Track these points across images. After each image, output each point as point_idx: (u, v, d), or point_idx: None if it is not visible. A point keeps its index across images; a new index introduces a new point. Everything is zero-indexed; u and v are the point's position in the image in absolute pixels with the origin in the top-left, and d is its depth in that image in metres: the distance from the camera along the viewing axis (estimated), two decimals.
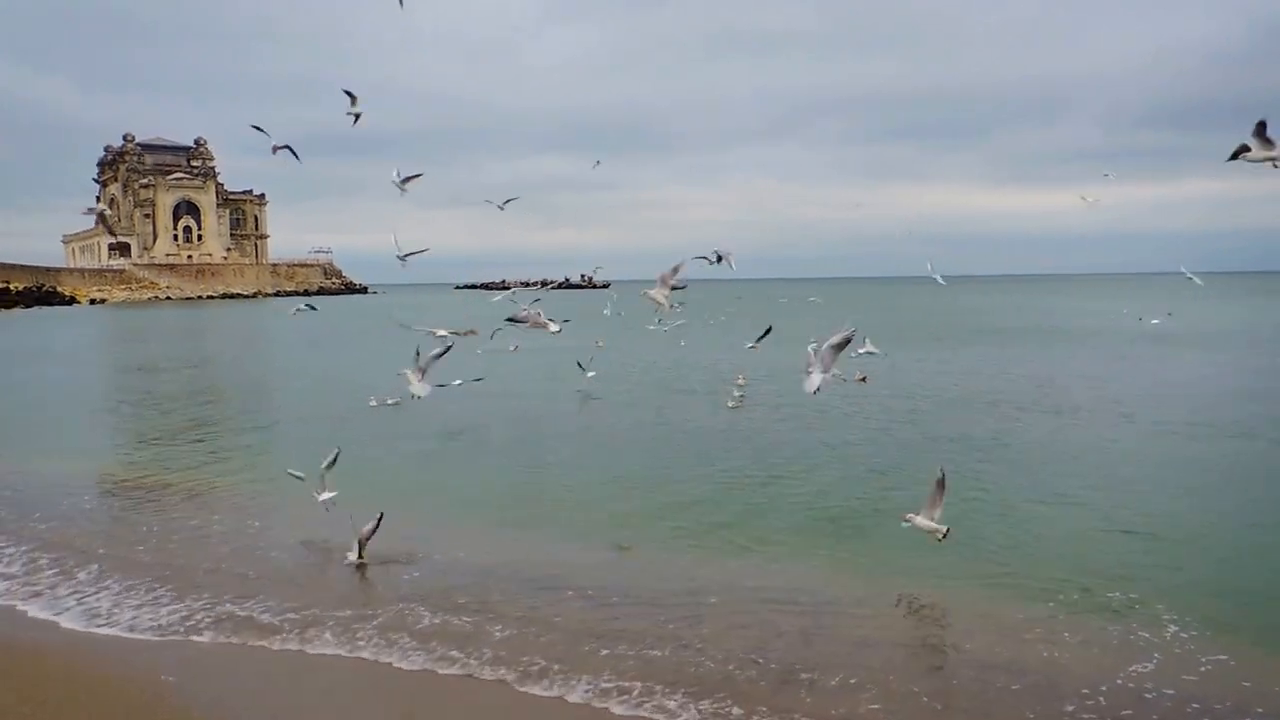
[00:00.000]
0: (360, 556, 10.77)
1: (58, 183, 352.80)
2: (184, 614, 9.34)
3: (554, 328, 10.80)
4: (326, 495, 11.35)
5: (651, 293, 10.11)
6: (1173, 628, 8.62)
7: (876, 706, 7.17)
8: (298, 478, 11.88)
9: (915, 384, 26.86)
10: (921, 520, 9.22)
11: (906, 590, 9.72)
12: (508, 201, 17.06)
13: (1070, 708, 7.14)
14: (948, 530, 9.28)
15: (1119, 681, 7.56)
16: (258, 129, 12.78)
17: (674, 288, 10.28)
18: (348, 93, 12.41)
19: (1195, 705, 7.18)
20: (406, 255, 13.02)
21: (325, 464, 11.26)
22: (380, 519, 10.78)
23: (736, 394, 23.32)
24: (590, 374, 25.36)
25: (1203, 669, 7.79)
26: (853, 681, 7.59)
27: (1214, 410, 21.56)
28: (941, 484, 9.10)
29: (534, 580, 10.15)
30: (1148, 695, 7.33)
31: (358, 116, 12.56)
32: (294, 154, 13.16)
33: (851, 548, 11.19)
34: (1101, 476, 14.89)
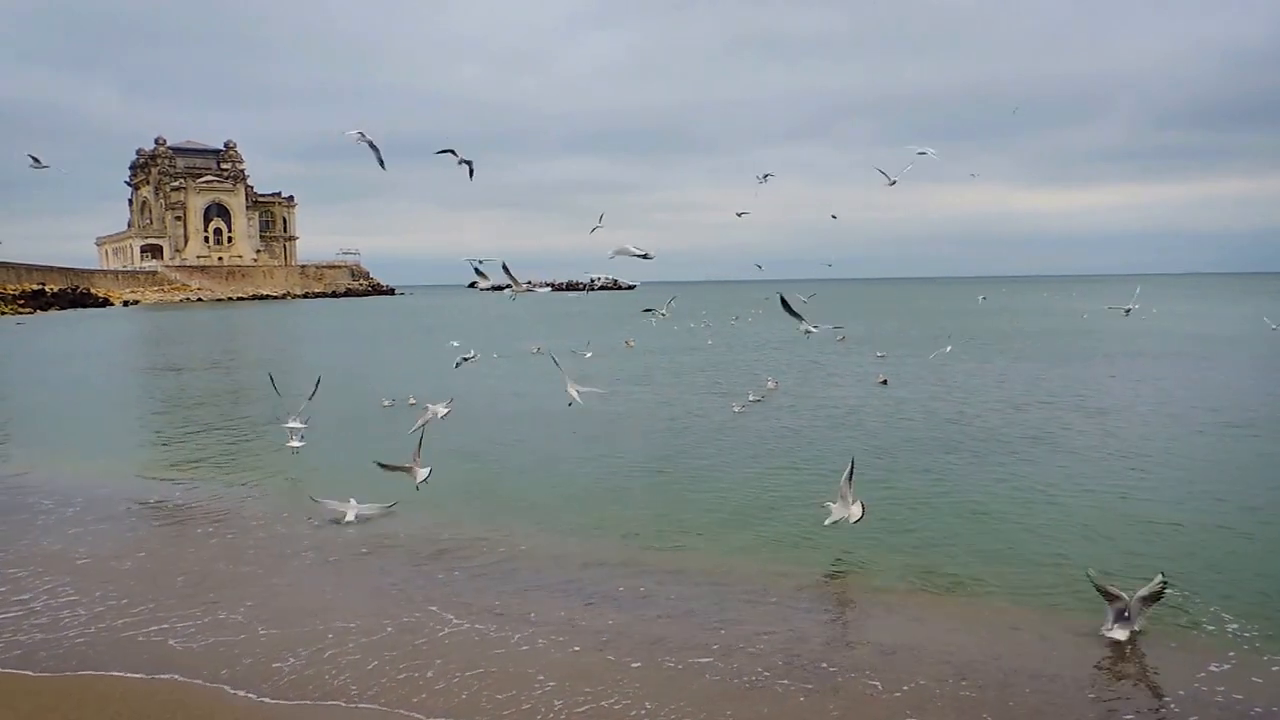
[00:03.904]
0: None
1: (90, 186, 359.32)
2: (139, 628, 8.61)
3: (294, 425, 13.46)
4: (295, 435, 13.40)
5: (570, 390, 10.52)
6: (1233, 626, 8.26)
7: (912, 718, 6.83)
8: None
9: (945, 387, 26.45)
10: (838, 509, 10.21)
11: (942, 594, 9.36)
12: (765, 176, 18.39)
13: (1129, 717, 6.80)
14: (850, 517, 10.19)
15: (1183, 686, 7.22)
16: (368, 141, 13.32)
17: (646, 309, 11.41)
18: (451, 152, 13.15)
19: (1258, 709, 6.83)
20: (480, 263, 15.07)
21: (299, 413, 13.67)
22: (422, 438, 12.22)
23: (752, 398, 22.82)
24: (463, 359, 26.52)
25: (1275, 669, 7.42)
26: (887, 691, 7.24)
27: (1255, 411, 20.97)
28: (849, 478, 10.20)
29: (547, 582, 9.85)
30: (1218, 698, 6.97)
31: (470, 165, 13.22)
32: (375, 151, 13.55)
33: (881, 550, 10.77)
34: (1142, 475, 14.44)
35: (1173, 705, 6.93)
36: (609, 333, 46.85)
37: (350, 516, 11.82)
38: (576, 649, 8.09)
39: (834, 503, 10.46)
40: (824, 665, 7.66)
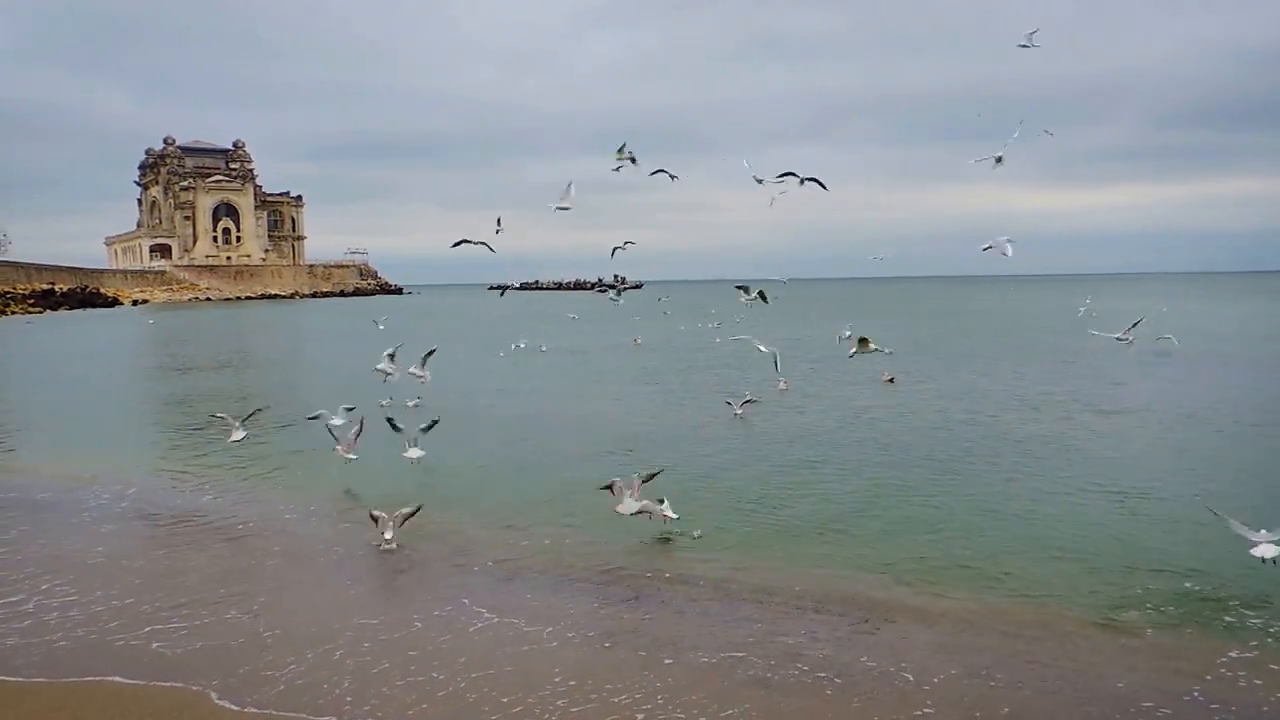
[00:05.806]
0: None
1: (91, 186, 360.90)
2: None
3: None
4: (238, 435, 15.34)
5: (620, 508, 10.99)
6: (1255, 622, 8.24)
7: (931, 711, 6.81)
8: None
9: (954, 384, 26.40)
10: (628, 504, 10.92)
11: (955, 592, 9.30)
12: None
13: (1148, 704, 6.79)
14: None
15: (1207, 671, 7.25)
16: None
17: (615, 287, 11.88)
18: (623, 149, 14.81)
19: (1277, 695, 6.85)
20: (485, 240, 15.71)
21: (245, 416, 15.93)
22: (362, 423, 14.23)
23: (749, 397, 22.53)
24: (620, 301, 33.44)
25: None
26: (906, 687, 7.22)
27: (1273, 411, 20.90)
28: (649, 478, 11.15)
29: (554, 581, 9.82)
30: (1240, 684, 6.99)
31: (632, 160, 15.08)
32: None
33: (893, 548, 10.74)
34: (1155, 472, 14.41)
35: (1196, 692, 6.96)
36: (615, 332, 46.83)
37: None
38: (600, 647, 8.08)
39: (627, 499, 11.00)
40: (840, 663, 7.65)
